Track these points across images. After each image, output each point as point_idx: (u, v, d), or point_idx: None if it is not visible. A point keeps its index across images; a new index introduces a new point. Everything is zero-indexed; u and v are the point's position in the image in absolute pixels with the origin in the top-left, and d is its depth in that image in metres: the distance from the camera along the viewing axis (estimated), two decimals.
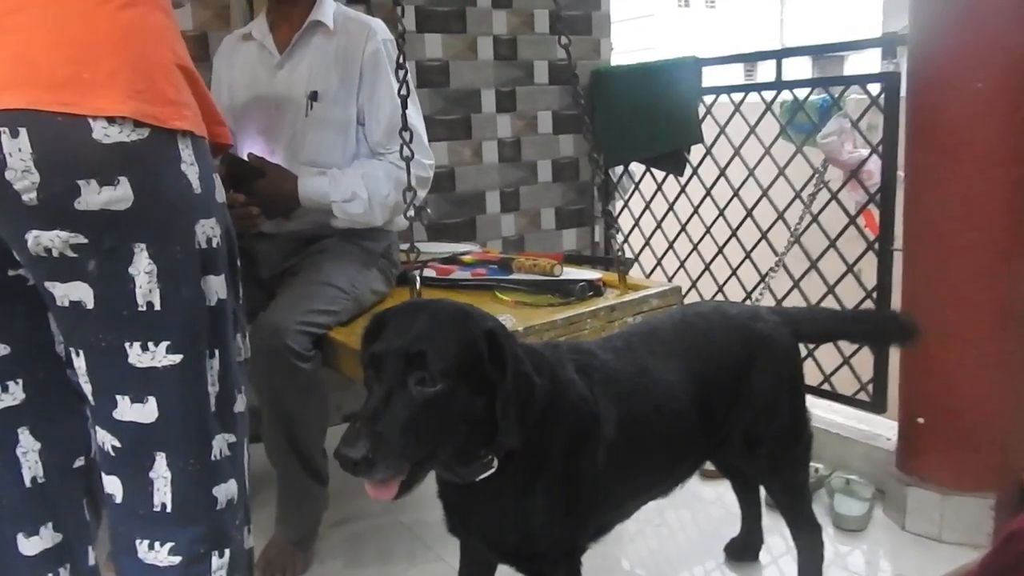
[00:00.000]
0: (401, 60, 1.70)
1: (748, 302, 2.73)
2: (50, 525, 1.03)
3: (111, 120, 0.83)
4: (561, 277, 2.01)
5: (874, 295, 2.32)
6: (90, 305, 0.88)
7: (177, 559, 0.96)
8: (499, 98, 3.05)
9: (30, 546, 1.02)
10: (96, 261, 0.86)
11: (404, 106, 1.71)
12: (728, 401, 1.43)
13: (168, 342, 0.91)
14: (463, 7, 2.93)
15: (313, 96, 1.95)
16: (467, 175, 3.01)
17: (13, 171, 0.81)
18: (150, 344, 0.91)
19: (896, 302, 2.17)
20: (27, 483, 1.01)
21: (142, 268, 0.88)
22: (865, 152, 2.41)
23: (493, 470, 1.17)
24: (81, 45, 0.83)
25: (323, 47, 1.97)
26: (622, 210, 3.31)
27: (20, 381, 0.98)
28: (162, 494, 0.95)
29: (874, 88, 2.32)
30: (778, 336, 1.49)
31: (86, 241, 0.85)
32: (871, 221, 2.44)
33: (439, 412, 1.06)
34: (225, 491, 1.00)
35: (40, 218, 0.83)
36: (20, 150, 0.80)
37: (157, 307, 0.90)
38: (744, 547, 1.87)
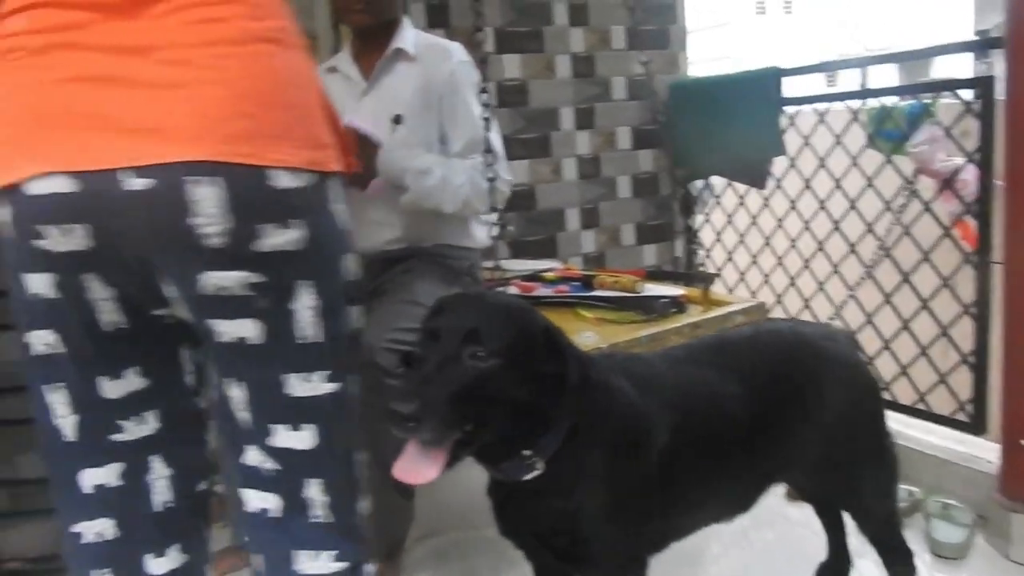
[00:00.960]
0: (483, 83, 1.73)
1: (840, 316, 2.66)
2: (178, 546, 1.06)
3: (286, 169, 0.89)
4: (643, 294, 2.01)
5: (972, 310, 2.22)
6: (256, 340, 0.92)
7: (343, 565, 1.01)
8: (578, 115, 3.06)
9: (158, 566, 1.05)
10: (267, 299, 0.91)
11: (487, 128, 1.74)
12: (793, 422, 1.40)
13: (326, 372, 0.96)
14: (540, 27, 2.97)
15: (396, 119, 2.00)
16: (547, 192, 3.03)
17: (201, 217, 0.86)
18: (309, 375, 0.95)
19: (996, 317, 2.08)
20: (158, 508, 1.04)
21: (306, 304, 0.93)
22: (959, 160, 2.33)
23: (539, 471, 1.18)
24: (250, 98, 0.88)
25: (405, 73, 2.03)
26: (703, 225, 3.27)
27: (156, 411, 1.01)
28: (320, 509, 0.99)
29: (967, 92, 2.23)
30: (852, 358, 1.44)
31: (260, 281, 0.90)
32: (967, 232, 2.34)
33: (487, 389, 1.08)
34: (365, 507, 1.05)
35: (220, 261, 0.88)
36: (207, 199, 0.85)
37: (317, 340, 0.94)
38: (832, 572, 1.81)
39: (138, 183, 0.85)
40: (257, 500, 1.01)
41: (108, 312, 0.93)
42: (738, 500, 1.45)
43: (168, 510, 1.04)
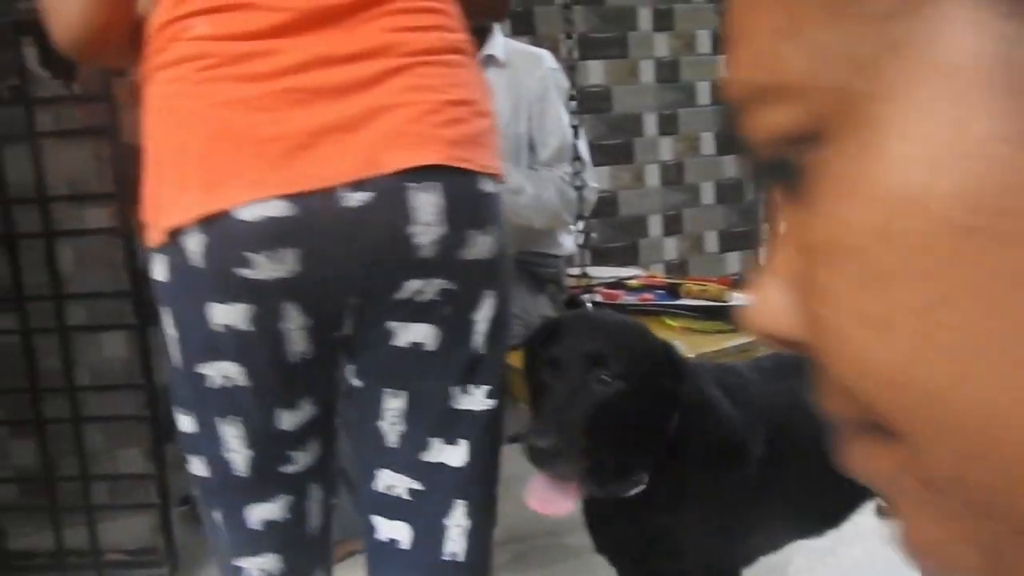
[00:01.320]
0: (572, 90, 1.74)
1: None
2: (323, 566, 1.03)
3: (489, 176, 0.89)
4: (731, 303, 1.97)
5: None
6: (430, 347, 0.90)
7: None
8: (661, 121, 3.03)
9: None
10: (451, 306, 0.89)
11: (576, 135, 1.75)
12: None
13: (488, 387, 0.94)
14: (624, 32, 2.95)
15: None
16: (629, 199, 3.01)
17: (418, 225, 0.83)
18: (471, 388, 0.93)
19: None
20: (314, 533, 0.99)
21: (484, 315, 0.91)
22: None
23: (642, 487, 1.17)
24: (459, 106, 0.87)
25: (495, 79, 2.04)
26: None
27: (319, 439, 0.96)
28: (455, 543, 0.96)
29: None
30: None
31: (452, 288, 0.88)
32: None
33: (617, 414, 1.08)
34: (491, 538, 1.03)
35: (427, 267, 0.86)
36: (425, 205, 0.83)
37: (484, 353, 0.92)
38: None
39: (356, 198, 0.81)
40: (387, 528, 0.97)
41: (298, 342, 0.87)
42: (829, 515, 1.43)
43: (320, 533, 1.01)
